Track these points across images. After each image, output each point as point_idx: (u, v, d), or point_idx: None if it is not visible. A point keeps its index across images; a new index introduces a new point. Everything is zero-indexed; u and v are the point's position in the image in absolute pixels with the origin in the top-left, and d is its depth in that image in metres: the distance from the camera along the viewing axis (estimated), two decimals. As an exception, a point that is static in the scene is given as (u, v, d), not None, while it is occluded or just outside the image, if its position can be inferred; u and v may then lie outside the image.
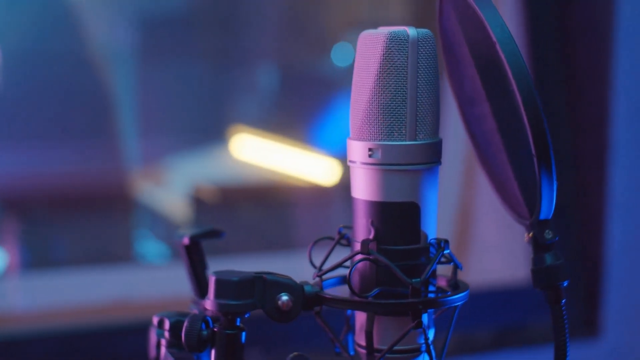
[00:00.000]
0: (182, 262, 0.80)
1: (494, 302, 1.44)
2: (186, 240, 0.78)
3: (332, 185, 2.00)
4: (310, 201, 2.01)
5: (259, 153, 2.02)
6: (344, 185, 1.98)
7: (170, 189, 1.94)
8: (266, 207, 2.03)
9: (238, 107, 2.11)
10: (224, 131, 2.03)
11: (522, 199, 0.70)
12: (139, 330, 1.50)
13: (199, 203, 1.94)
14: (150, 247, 1.89)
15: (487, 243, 1.58)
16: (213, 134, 2.06)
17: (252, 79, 2.09)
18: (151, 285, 1.63)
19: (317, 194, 2.04)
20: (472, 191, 1.67)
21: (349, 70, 2.18)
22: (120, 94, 1.92)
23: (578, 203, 1.49)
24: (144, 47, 1.94)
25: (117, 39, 1.92)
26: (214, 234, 0.79)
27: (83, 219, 1.85)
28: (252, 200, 2.04)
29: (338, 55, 2.09)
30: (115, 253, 1.82)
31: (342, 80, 2.15)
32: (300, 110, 2.10)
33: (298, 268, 1.78)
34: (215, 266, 1.66)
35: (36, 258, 1.76)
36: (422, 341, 0.70)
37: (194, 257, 0.79)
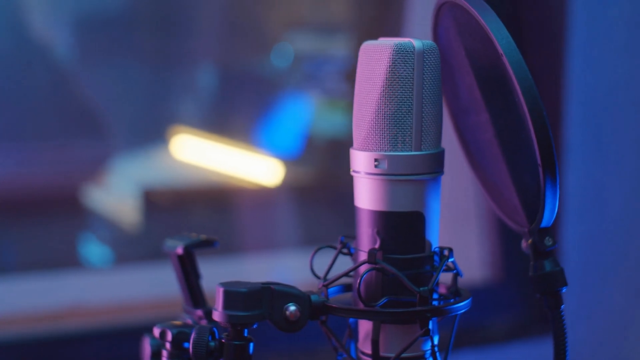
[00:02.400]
0: (175, 271, 0.80)
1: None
2: (180, 250, 0.78)
3: (274, 186, 2.00)
4: (253, 202, 2.01)
5: (200, 154, 2.01)
6: (287, 185, 1.98)
7: (112, 191, 1.92)
8: (210, 209, 2.02)
9: (178, 108, 2.09)
10: (165, 132, 2.02)
11: (520, 207, 0.72)
12: (92, 337, 1.49)
13: (143, 205, 1.93)
14: (95, 250, 1.87)
15: (441, 245, 1.59)
16: (153, 134, 2.05)
17: (192, 79, 2.08)
18: (99, 290, 1.61)
19: (260, 194, 2.04)
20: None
21: (289, 70, 2.16)
22: (59, 95, 1.89)
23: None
24: (83, 47, 1.92)
25: (57, 39, 1.90)
26: (208, 243, 0.79)
27: (26, 223, 1.82)
28: (195, 202, 2.03)
29: (278, 56, 2.10)
30: (60, 258, 1.80)
31: (282, 81, 2.16)
32: (240, 110, 2.09)
33: (245, 271, 1.77)
34: (160, 270, 1.64)
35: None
36: (426, 348, 0.71)
37: (188, 267, 0.79)
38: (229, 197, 2.01)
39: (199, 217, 2.00)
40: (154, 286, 1.62)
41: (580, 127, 1.53)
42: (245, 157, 2.02)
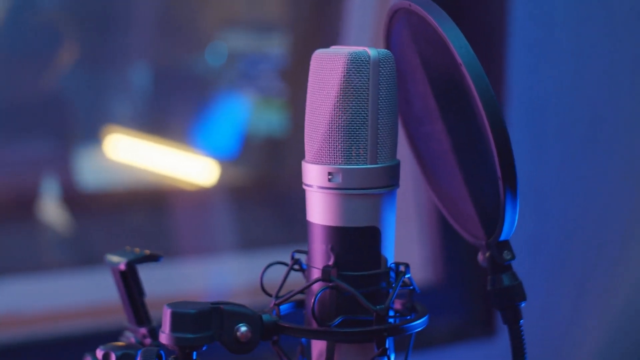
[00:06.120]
0: (117, 288, 0.77)
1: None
2: (122, 266, 0.75)
3: (210, 187, 1.98)
4: (189, 204, 1.98)
5: (134, 153, 1.98)
6: (223, 185, 1.96)
7: (45, 193, 1.88)
8: (145, 211, 1.98)
9: (111, 107, 2.06)
10: (98, 132, 1.98)
11: (477, 219, 0.69)
12: (25, 347, 1.45)
13: (73, 207, 1.88)
14: (28, 254, 1.82)
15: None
16: (86, 134, 2.01)
17: (125, 77, 2.05)
18: (31, 298, 1.57)
19: (196, 196, 2.01)
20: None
21: (224, 68, 2.13)
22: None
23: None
24: (16, 45, 1.87)
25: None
26: (151, 258, 0.76)
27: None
28: (130, 204, 1.99)
29: (212, 54, 2.07)
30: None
31: (217, 79, 2.14)
32: (174, 109, 2.06)
33: (181, 275, 1.73)
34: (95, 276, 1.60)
35: None
36: (382, 366, 0.68)
37: (131, 284, 0.75)
38: (164, 199, 1.98)
39: (133, 220, 1.96)
40: (88, 293, 1.58)
41: (521, 130, 1.52)
42: (180, 157, 1.98)
